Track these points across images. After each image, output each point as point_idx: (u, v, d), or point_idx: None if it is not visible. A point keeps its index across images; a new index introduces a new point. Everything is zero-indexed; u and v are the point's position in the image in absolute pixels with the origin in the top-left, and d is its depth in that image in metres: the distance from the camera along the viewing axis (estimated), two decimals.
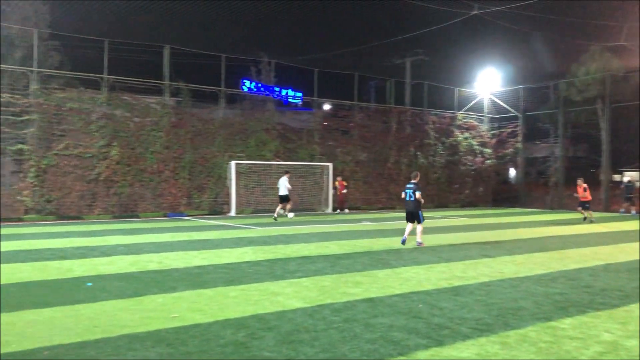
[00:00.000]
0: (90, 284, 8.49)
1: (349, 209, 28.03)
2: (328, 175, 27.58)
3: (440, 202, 32.53)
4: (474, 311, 6.99)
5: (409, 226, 13.76)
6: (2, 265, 10.16)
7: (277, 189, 22.87)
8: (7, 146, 20.66)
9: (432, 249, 13.07)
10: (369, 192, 30.11)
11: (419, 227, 13.57)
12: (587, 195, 22.29)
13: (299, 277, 9.26)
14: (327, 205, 27.50)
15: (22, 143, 20.88)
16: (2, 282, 8.56)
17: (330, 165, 27.83)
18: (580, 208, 22.55)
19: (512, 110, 34.19)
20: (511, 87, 34.45)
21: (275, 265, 10.53)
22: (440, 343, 5.62)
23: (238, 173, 25.12)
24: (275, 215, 22.07)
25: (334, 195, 27.57)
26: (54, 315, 6.59)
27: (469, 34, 30.54)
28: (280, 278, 9.14)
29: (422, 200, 13.67)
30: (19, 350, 5.29)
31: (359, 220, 21.79)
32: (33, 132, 21.08)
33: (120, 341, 5.59)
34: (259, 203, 25.89)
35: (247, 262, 10.88)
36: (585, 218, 22.31)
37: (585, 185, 22.31)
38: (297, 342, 5.57)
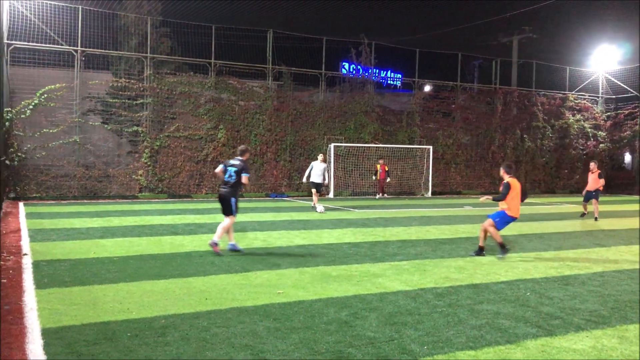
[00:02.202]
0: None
1: (448, 193, 27.41)
2: (429, 158, 27.08)
3: (547, 187, 31.00)
4: (587, 302, 6.60)
5: (225, 222, 9.89)
6: (122, 238, 10.96)
7: (309, 173, 18.18)
8: (124, 128, 22.15)
9: (539, 237, 12.48)
10: (471, 176, 29.28)
11: (227, 221, 9.87)
12: None
13: (400, 260, 9.21)
14: (427, 189, 27.05)
15: (137, 125, 22.29)
16: (122, 254, 9.24)
17: (430, 148, 27.30)
18: None
19: (631, 90, 31.65)
20: (630, 65, 31.86)
21: (375, 247, 10.53)
22: (550, 333, 5.37)
23: (337, 155, 25.32)
24: (313, 205, 18.00)
25: (375, 180, 25.35)
26: (168, 287, 7.02)
27: (581, 9, 28.54)
28: (381, 260, 9.14)
29: (245, 188, 10.35)
30: (139, 317, 5.69)
31: (461, 205, 21.26)
32: (147, 115, 22.44)
33: (229, 313, 5.86)
34: (357, 185, 25.99)
35: (347, 243, 10.98)
36: None
37: None
38: (400, 324, 5.55)
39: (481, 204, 22.13)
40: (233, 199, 9.81)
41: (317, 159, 18.35)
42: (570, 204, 23.11)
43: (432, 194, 27.04)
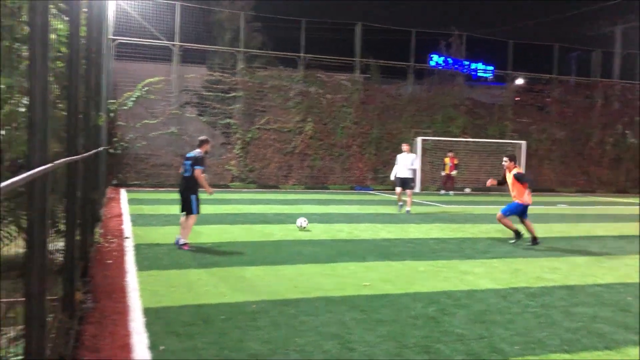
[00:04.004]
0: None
1: (540, 190, 26.28)
2: (521, 154, 26.06)
3: None
4: None
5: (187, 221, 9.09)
6: (216, 225, 11.43)
7: (395, 167, 15.79)
8: (218, 120, 23.03)
9: None
10: (566, 173, 27.88)
11: (189, 220, 8.97)
12: None
13: (489, 257, 8.98)
14: None
15: (229, 118, 23.09)
16: (216, 241, 9.65)
17: (523, 143, 26.26)
18: None
19: None
20: None
21: (464, 244, 10.33)
22: None
23: (424, 149, 24.94)
24: (401, 204, 15.60)
25: (441, 174, 23.90)
26: (258, 273, 7.26)
27: None
28: (470, 257, 8.95)
29: (203, 183, 8.94)
30: (232, 301, 5.93)
31: (554, 204, 20.33)
32: (239, 108, 23.18)
33: (317, 302, 5.98)
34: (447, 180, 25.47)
35: (434, 238, 10.84)
36: None
37: None
38: (489, 323, 5.44)
39: (576, 202, 21.06)
40: (193, 196, 8.89)
41: (401, 151, 15.68)
42: None
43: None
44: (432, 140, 25.22)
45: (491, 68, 32.72)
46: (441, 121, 25.93)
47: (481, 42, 28.47)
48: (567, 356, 4.62)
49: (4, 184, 2.02)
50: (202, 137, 9.38)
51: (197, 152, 9.05)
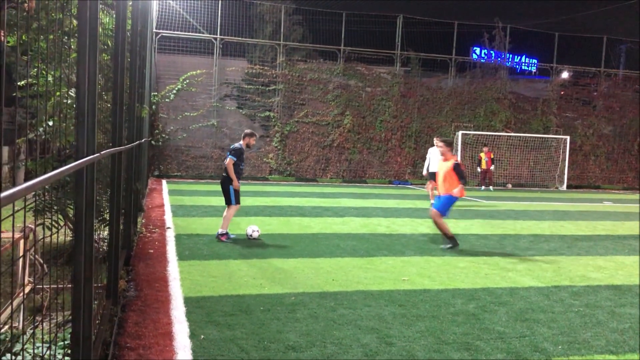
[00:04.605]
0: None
1: (585, 187, 25.57)
2: (565, 149, 25.41)
3: None
4: None
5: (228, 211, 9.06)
6: (254, 217, 11.53)
7: (429, 161, 15.44)
8: (257, 113, 23.20)
9: None
10: (612, 169, 27.04)
11: (229, 210, 8.99)
12: None
13: (532, 255, 8.79)
14: (561, 182, 25.45)
15: (269, 110, 23.24)
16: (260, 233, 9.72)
17: (567, 138, 25.58)
18: None
19: None
20: None
21: (505, 240, 10.14)
22: None
23: (464, 144, 24.57)
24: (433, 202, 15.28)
25: (478, 170, 23.18)
26: (297, 266, 7.29)
27: None
28: (511, 254, 8.78)
29: (231, 172, 8.80)
30: (271, 293, 5.98)
31: (600, 200, 19.75)
32: (278, 100, 23.29)
33: (355, 296, 5.97)
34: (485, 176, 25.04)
35: (475, 234, 10.67)
36: None
37: None
38: (532, 321, 5.32)
39: (623, 199, 20.42)
40: (231, 187, 8.91)
41: (433, 144, 14.78)
42: None
43: (568, 187, 25.37)
44: (473, 134, 24.81)
45: (535, 61, 31.93)
46: (483, 115, 25.47)
47: (525, 35, 27.75)
48: (613, 357, 4.49)
49: (53, 172, 2.07)
50: (247, 131, 9.35)
51: (237, 144, 9.11)
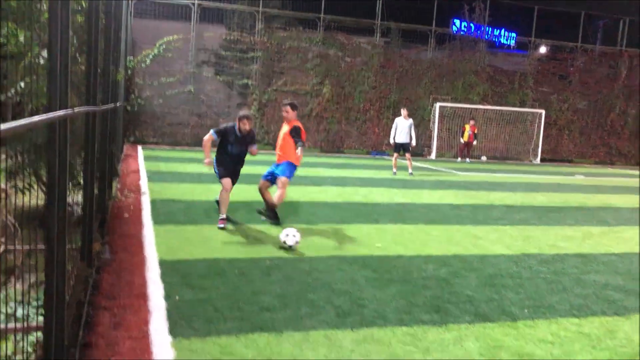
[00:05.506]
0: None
1: (558, 161, 26.01)
2: (540, 123, 25.74)
3: None
4: None
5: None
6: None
7: (395, 132, 15.83)
8: (235, 80, 22.94)
9: None
10: (585, 144, 27.51)
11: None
12: None
13: (503, 224, 8.98)
14: (535, 156, 25.85)
15: (247, 78, 22.99)
16: (231, 199, 9.71)
17: (542, 112, 25.89)
18: None
19: None
20: None
21: (478, 210, 10.32)
22: None
23: (442, 116, 24.71)
24: (395, 171, 15.84)
25: (461, 141, 23.51)
26: (273, 231, 7.33)
27: None
28: (483, 223, 8.96)
29: (205, 148, 8.08)
30: (246, 257, 6.03)
31: (572, 174, 20.14)
32: (257, 68, 23.04)
33: (330, 261, 6.06)
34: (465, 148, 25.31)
35: (448, 204, 10.83)
36: None
37: None
38: (500, 286, 5.48)
39: (594, 173, 20.84)
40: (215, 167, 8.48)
41: (400, 114, 15.97)
42: None
43: (541, 160, 25.79)
44: (450, 107, 24.93)
45: (514, 35, 31.99)
46: (461, 88, 25.58)
47: (504, 8, 27.74)
48: (576, 320, 4.66)
49: (25, 120, 2.05)
50: (240, 112, 8.60)
51: (230, 123, 8.51)
